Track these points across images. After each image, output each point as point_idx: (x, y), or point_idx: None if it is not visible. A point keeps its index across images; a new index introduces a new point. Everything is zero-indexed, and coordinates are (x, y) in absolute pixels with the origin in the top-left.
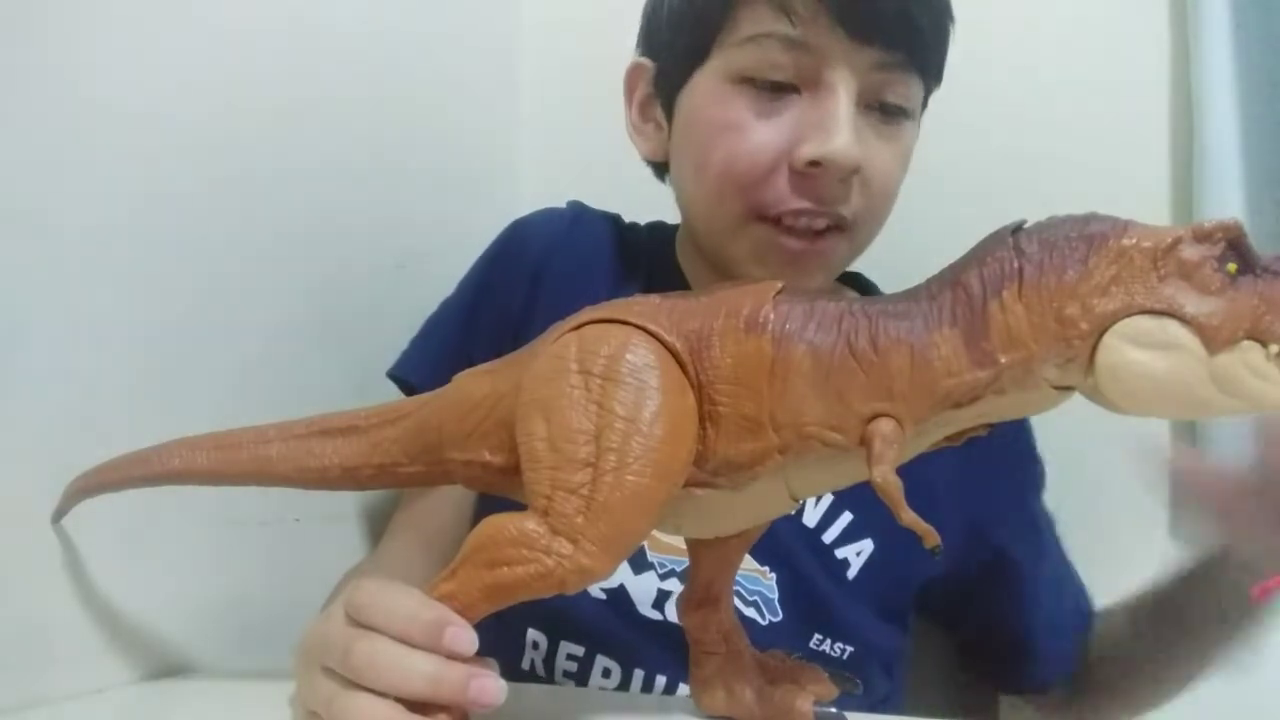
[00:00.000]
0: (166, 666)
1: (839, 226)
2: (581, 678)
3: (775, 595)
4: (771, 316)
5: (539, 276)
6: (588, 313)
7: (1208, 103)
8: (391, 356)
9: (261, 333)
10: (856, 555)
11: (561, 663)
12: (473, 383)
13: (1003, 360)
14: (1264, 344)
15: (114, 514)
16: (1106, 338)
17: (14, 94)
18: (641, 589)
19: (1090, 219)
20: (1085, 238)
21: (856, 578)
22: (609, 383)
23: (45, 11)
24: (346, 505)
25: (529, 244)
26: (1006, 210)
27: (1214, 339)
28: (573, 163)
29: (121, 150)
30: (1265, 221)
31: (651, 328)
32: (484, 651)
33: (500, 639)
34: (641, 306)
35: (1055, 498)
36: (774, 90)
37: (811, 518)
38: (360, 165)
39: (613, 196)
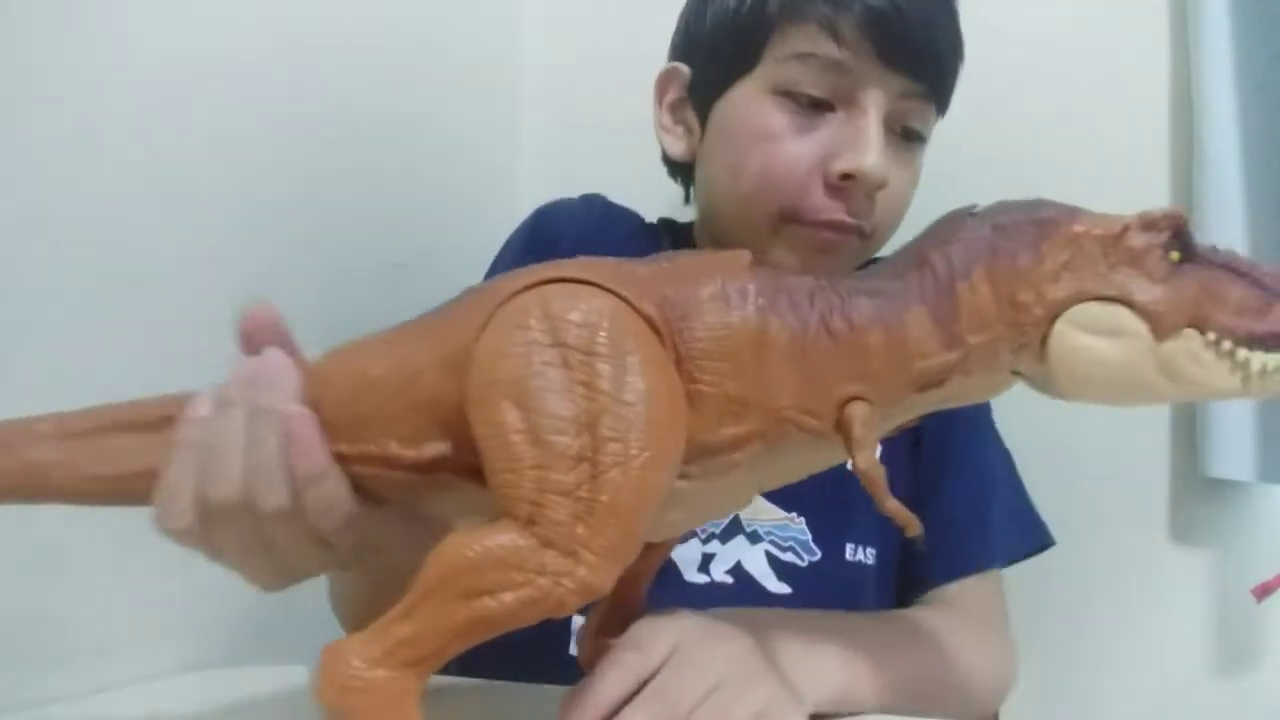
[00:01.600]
0: (167, 666)
1: (860, 233)
2: None
3: (808, 536)
4: (752, 288)
5: None
6: (539, 271)
7: (1208, 103)
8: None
9: None
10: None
11: None
12: (364, 356)
13: (972, 341)
14: (1202, 331)
15: (116, 514)
16: (1059, 324)
17: (14, 95)
18: (686, 556)
19: (1040, 204)
20: (1037, 223)
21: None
22: (592, 357)
23: (46, 13)
24: None
25: (561, 234)
26: None
27: (1161, 326)
28: (572, 163)
29: (122, 151)
30: (1265, 222)
31: (623, 293)
32: (525, 640)
33: (542, 627)
34: (600, 267)
35: (1055, 498)
36: (811, 105)
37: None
38: (361, 165)
39: (612, 196)
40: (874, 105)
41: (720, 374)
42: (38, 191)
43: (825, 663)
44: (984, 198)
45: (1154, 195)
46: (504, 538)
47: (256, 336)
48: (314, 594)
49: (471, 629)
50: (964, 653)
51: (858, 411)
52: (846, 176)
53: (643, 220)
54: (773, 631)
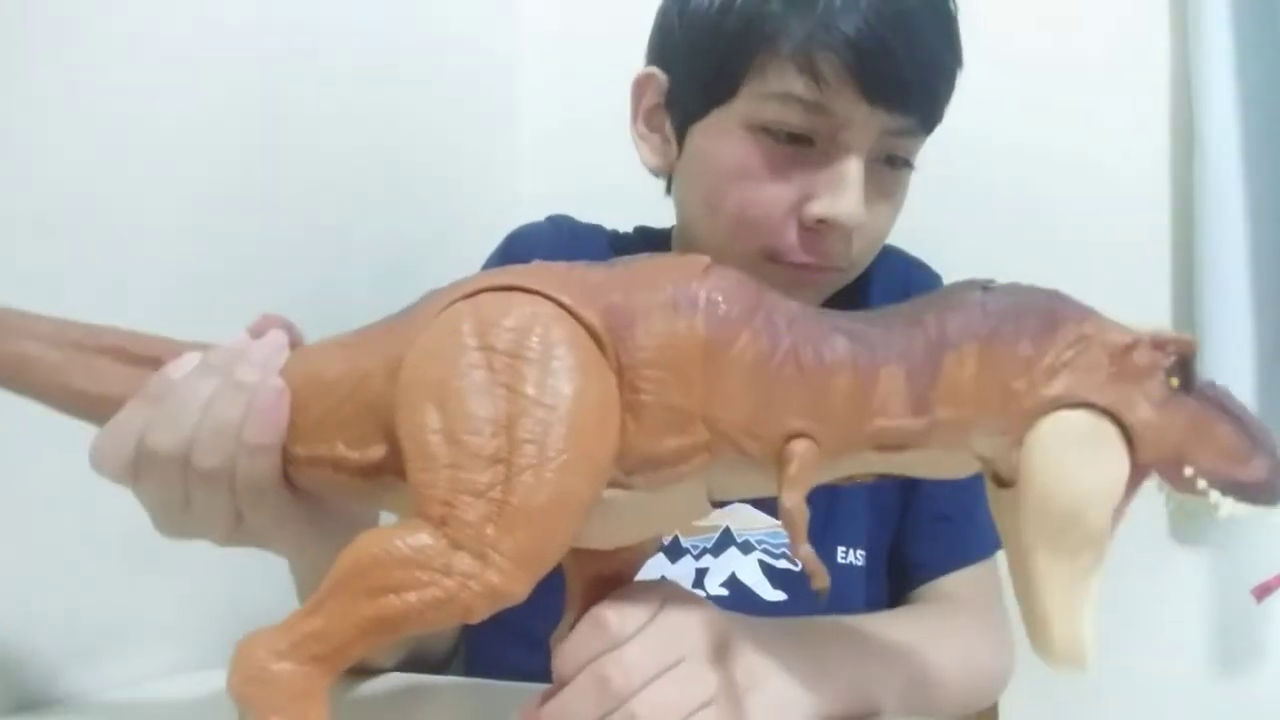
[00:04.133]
0: (167, 666)
1: (837, 269)
2: None
3: None
4: (703, 294)
5: None
6: (484, 278)
7: (1208, 103)
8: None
9: None
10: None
11: None
12: (321, 359)
13: (940, 415)
14: (1180, 466)
15: (116, 515)
16: (1045, 422)
17: (14, 94)
18: (680, 573)
19: (1056, 296)
20: (1048, 313)
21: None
22: (518, 360)
23: (45, 12)
24: None
25: (533, 256)
26: (1007, 210)
27: (1143, 452)
28: (572, 164)
29: (122, 152)
30: (1265, 222)
31: (563, 299)
32: (521, 657)
33: (543, 647)
34: (546, 274)
35: None
36: (789, 141)
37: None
38: (361, 166)
39: (613, 197)
40: (855, 146)
41: (663, 384)
42: (38, 191)
43: (806, 683)
44: (984, 198)
45: (1154, 194)
46: (413, 537)
47: (265, 325)
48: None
49: (376, 627)
50: (965, 647)
51: (799, 448)
52: (822, 221)
53: (613, 233)
54: (767, 643)
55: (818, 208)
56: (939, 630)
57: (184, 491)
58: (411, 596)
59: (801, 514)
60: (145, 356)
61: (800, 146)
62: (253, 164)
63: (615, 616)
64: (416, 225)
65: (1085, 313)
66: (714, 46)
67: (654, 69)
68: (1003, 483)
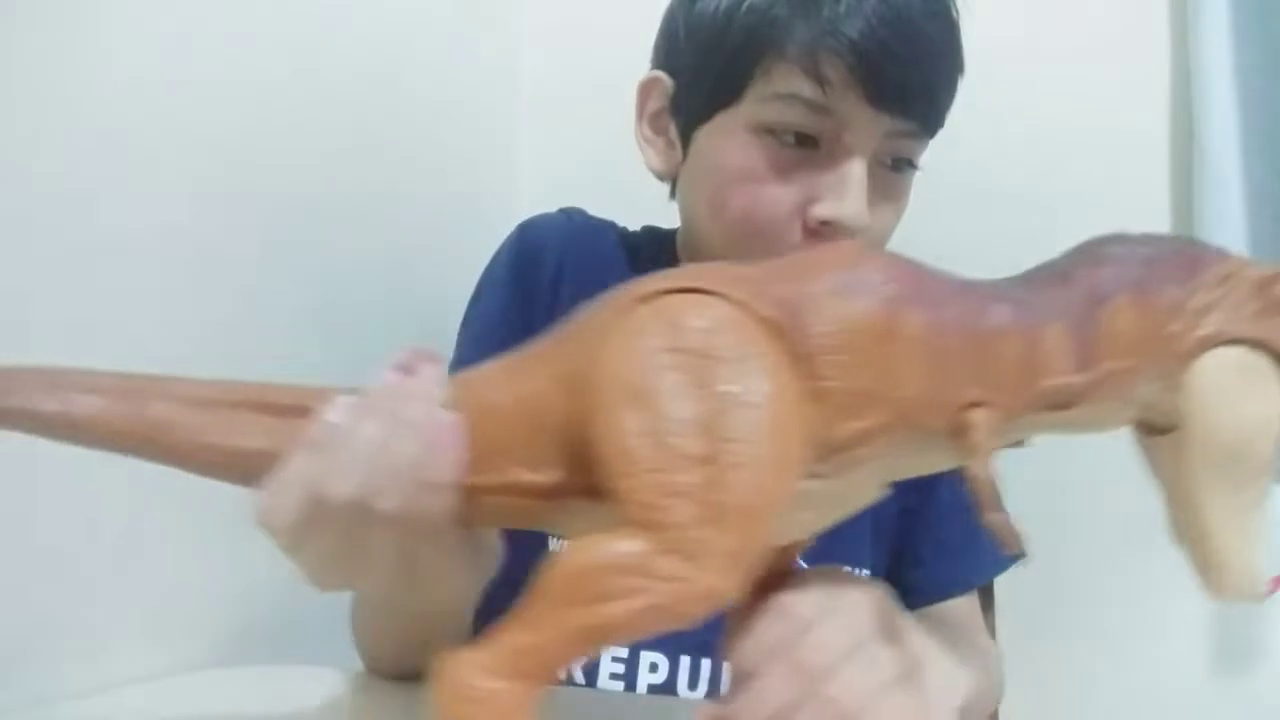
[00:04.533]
0: (167, 666)
1: None
2: (630, 678)
3: (803, 564)
4: (869, 277)
5: (557, 284)
6: (656, 281)
7: (1208, 103)
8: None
9: (262, 333)
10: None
11: (608, 666)
12: (483, 385)
13: (1108, 366)
14: None
15: (115, 514)
16: (1202, 361)
17: (15, 97)
18: None
19: (1189, 241)
20: (1189, 258)
21: None
22: (711, 360)
23: (45, 9)
24: None
25: (545, 250)
26: (1006, 210)
27: None
28: (572, 164)
29: (122, 151)
30: (1265, 221)
31: (739, 296)
32: None
33: None
34: (715, 274)
35: (1056, 498)
36: (794, 143)
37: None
38: (361, 166)
39: (612, 197)
40: (859, 148)
41: (843, 368)
42: (38, 191)
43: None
44: (984, 198)
45: (1154, 194)
46: (624, 544)
47: (412, 360)
48: (313, 596)
49: (591, 637)
50: (985, 665)
51: (979, 417)
52: (826, 223)
53: (622, 230)
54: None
55: (822, 209)
56: (969, 646)
57: (360, 540)
58: (625, 604)
59: (991, 482)
60: (287, 406)
61: (804, 149)
62: (252, 164)
63: (800, 603)
64: (416, 225)
65: (1222, 252)
66: (719, 50)
67: (659, 73)
68: (1154, 430)
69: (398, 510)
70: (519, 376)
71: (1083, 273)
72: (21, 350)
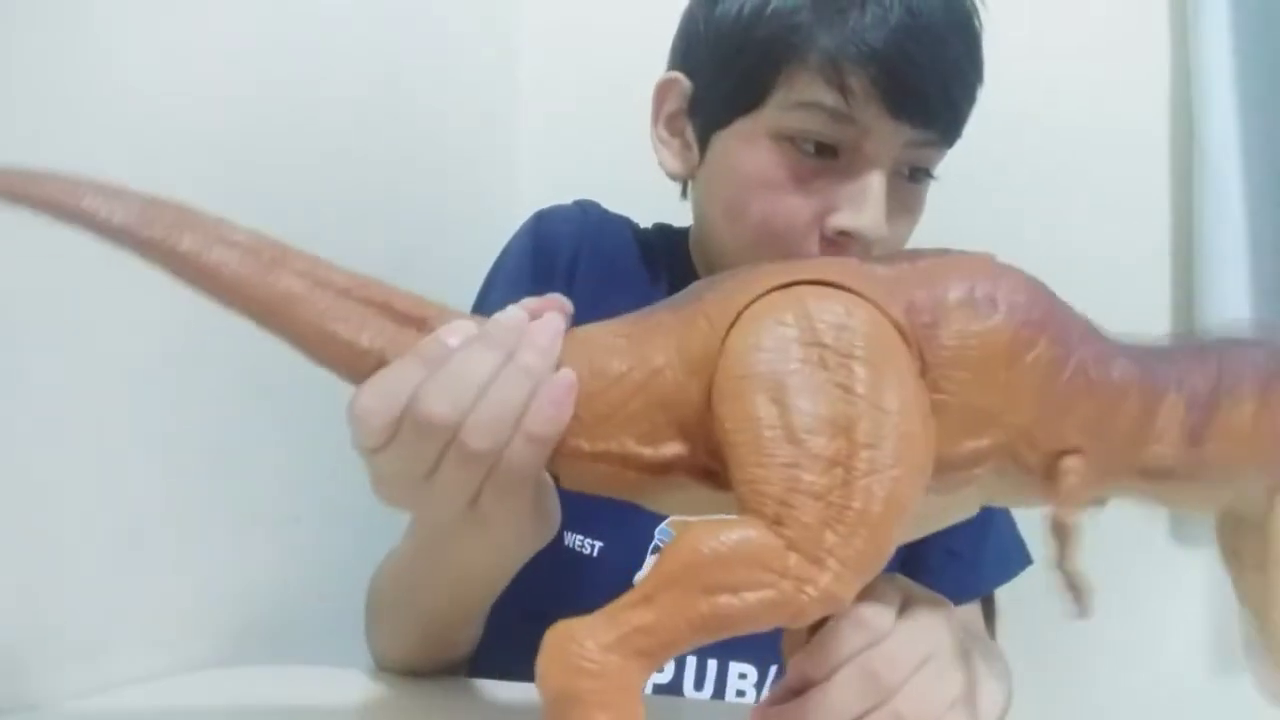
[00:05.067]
0: (167, 666)
1: None
2: (675, 688)
3: None
4: (1003, 295)
5: (571, 276)
6: (792, 270)
7: (1208, 103)
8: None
9: (263, 333)
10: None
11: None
12: (601, 349)
13: (1209, 450)
14: None
15: (116, 514)
16: None
17: (15, 97)
18: None
19: None
20: None
21: None
22: (851, 360)
23: (46, 11)
24: (347, 503)
25: (560, 241)
26: (1006, 210)
27: None
28: (572, 163)
29: (122, 150)
30: (1265, 221)
31: (873, 297)
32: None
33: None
34: (848, 270)
35: None
36: (814, 153)
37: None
38: (361, 165)
39: (613, 197)
40: (879, 158)
41: (964, 384)
42: None
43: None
44: (984, 198)
45: (1154, 195)
46: (752, 534)
47: (544, 307)
48: (313, 596)
49: (709, 624)
50: (1003, 674)
51: (1073, 464)
52: (844, 233)
53: (632, 226)
54: (978, 641)
55: (840, 220)
56: (998, 659)
57: (435, 464)
58: (750, 596)
59: (1074, 531)
60: (412, 315)
61: (824, 158)
62: (251, 164)
63: (875, 614)
64: (416, 224)
65: None
66: (741, 55)
67: (677, 74)
68: (1241, 516)
69: (486, 450)
70: (637, 346)
71: (1216, 354)
72: (22, 350)
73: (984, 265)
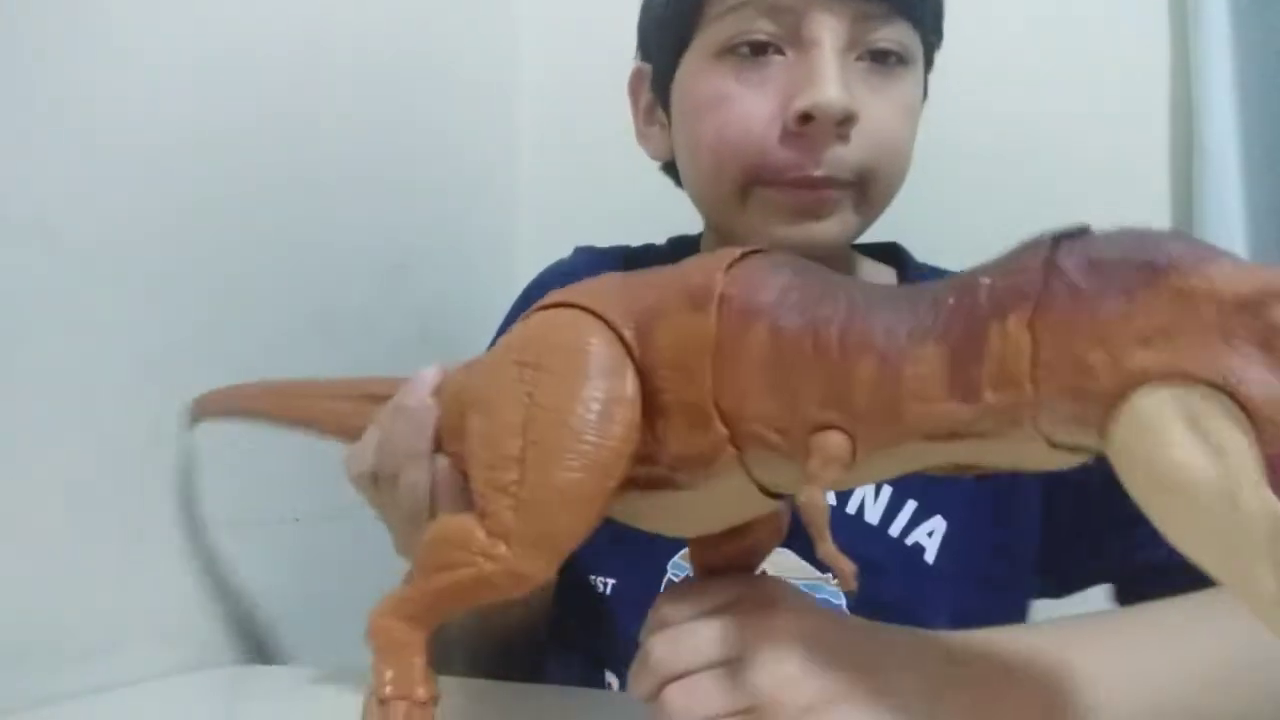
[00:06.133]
0: (167, 666)
1: (838, 185)
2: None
3: (842, 600)
4: (719, 289)
5: None
6: (549, 297)
7: (1208, 103)
8: (392, 356)
9: (262, 333)
10: (929, 536)
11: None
12: (450, 379)
13: (988, 399)
14: None
15: (117, 514)
16: (1136, 401)
17: (15, 96)
18: None
19: (1163, 239)
20: (1143, 265)
21: (937, 560)
22: (540, 371)
23: (46, 15)
24: (346, 504)
25: (548, 289)
26: (1005, 210)
27: (1272, 439)
28: (572, 165)
29: (122, 153)
30: (1265, 221)
31: (596, 308)
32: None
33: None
34: (596, 286)
35: None
36: (756, 54)
37: (874, 514)
38: (360, 167)
39: (613, 198)
40: (825, 36)
41: (676, 381)
42: (38, 192)
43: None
44: (983, 198)
45: (1154, 194)
46: (464, 523)
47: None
48: (313, 596)
49: (442, 595)
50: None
51: (827, 442)
52: (805, 118)
53: (629, 256)
54: (873, 662)
55: (798, 103)
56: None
57: (390, 504)
58: (459, 574)
59: (820, 511)
60: (383, 395)
61: (768, 57)
62: (251, 165)
63: (669, 606)
64: (416, 225)
65: (1202, 260)
66: (670, 1)
67: (641, 64)
68: None
69: (394, 477)
70: (466, 371)
71: (982, 283)
72: (22, 350)
73: (723, 259)
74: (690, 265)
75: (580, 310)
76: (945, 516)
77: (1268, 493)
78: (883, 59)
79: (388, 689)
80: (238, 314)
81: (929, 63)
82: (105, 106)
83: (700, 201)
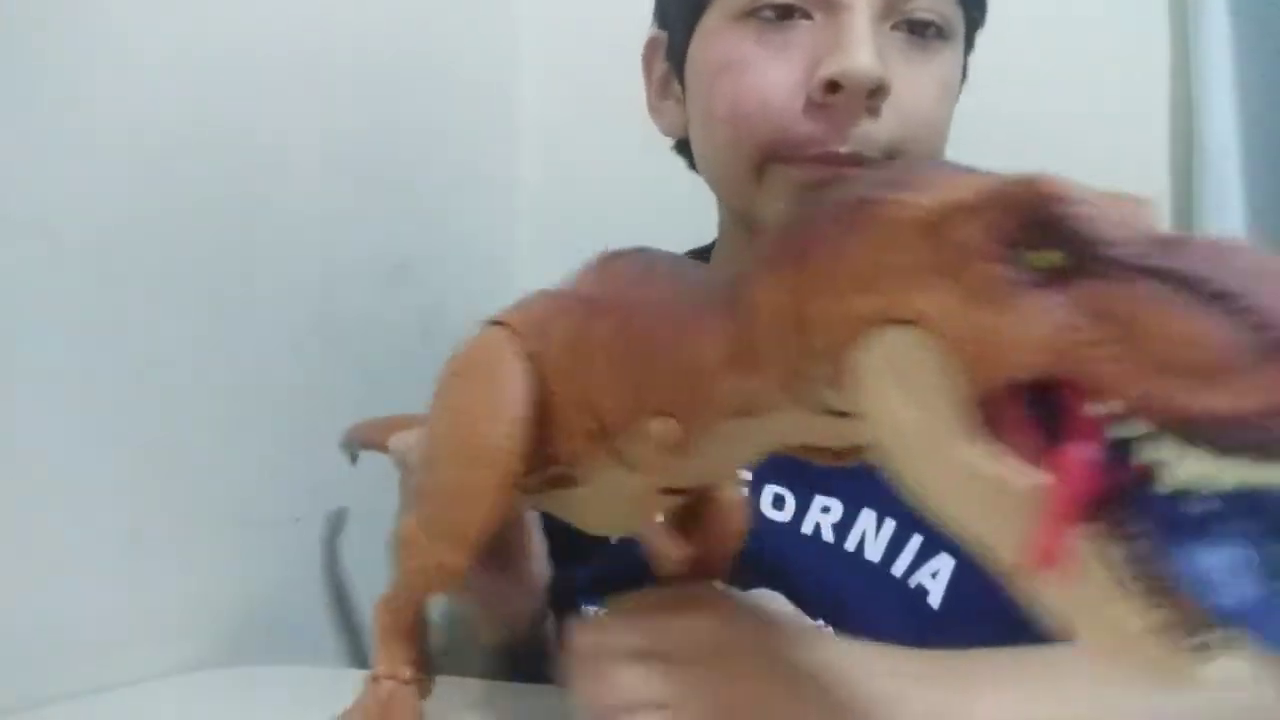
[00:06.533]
0: (167, 666)
1: (864, 163)
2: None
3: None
4: (577, 287)
5: None
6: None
7: (1208, 103)
8: (392, 356)
9: (263, 333)
10: (933, 577)
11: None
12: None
13: (765, 370)
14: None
15: (116, 514)
16: (854, 352)
17: (15, 96)
18: None
19: (907, 169)
20: (855, 204)
21: (944, 603)
22: (458, 379)
23: (45, 15)
24: (347, 503)
25: None
26: None
27: (979, 372)
28: (572, 165)
29: (122, 153)
30: (1265, 221)
31: (513, 322)
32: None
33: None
34: (528, 302)
35: None
36: (781, 18)
37: (874, 551)
38: (360, 167)
39: (614, 198)
40: (855, 2)
41: (561, 382)
42: (38, 192)
43: None
44: None
45: (1153, 195)
46: (410, 521)
47: None
48: (313, 596)
49: (403, 589)
50: None
51: (655, 431)
52: (832, 87)
53: None
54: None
55: (825, 69)
56: None
57: None
58: (409, 564)
59: (649, 494)
60: None
61: (794, 22)
62: (251, 165)
63: (614, 602)
64: (417, 225)
65: (911, 184)
66: None
67: (657, 32)
68: None
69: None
70: None
71: (768, 244)
72: (22, 351)
73: (593, 261)
74: (584, 274)
75: (503, 326)
76: (952, 554)
77: (971, 443)
78: (921, 30)
79: (379, 669)
80: (238, 314)
81: (970, 43)
82: (105, 106)
83: (714, 181)
